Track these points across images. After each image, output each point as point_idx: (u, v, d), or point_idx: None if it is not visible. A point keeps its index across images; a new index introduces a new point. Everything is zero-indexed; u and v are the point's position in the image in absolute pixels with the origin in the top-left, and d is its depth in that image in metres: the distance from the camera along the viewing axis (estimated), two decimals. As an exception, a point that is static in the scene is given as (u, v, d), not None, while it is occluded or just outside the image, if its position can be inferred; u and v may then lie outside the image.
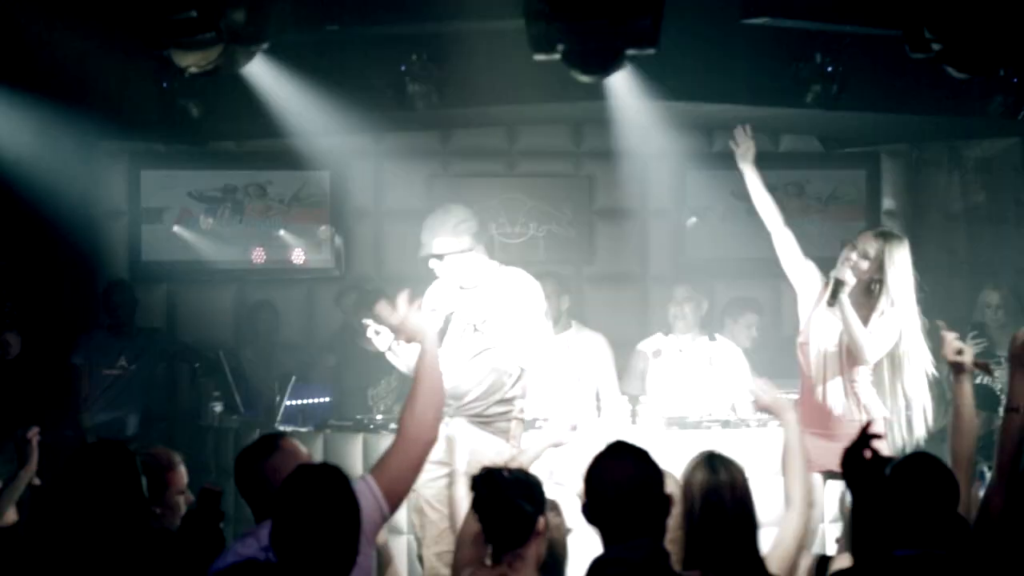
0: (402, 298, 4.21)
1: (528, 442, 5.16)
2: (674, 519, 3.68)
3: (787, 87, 7.23)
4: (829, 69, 6.90)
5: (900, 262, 5.80)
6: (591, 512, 3.52)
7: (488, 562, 3.80)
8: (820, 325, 5.83)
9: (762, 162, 8.98)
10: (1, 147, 7.22)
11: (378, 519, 3.71)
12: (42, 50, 6.76)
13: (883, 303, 5.76)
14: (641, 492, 3.47)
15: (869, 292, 5.81)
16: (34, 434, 5.04)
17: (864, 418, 5.65)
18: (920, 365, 5.78)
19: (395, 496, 3.76)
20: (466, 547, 3.98)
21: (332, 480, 3.33)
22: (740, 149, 6.08)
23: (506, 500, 3.73)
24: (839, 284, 5.68)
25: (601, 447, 3.65)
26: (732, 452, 6.02)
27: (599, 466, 3.55)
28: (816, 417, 5.70)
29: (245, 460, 3.91)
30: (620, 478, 3.48)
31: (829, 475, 5.64)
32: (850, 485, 3.58)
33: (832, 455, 5.32)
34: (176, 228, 8.94)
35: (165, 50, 5.52)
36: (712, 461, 3.81)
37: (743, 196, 8.93)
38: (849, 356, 5.76)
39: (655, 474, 3.54)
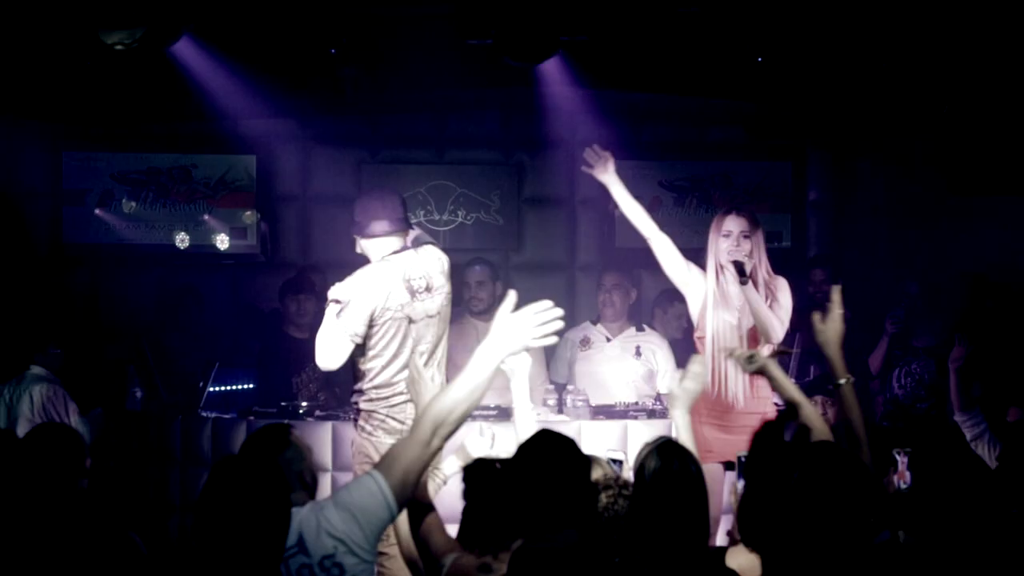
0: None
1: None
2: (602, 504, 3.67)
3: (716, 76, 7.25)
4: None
5: (763, 238, 5.88)
6: (515, 501, 3.49)
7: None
8: (715, 317, 5.84)
9: (690, 152, 9.16)
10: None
11: (387, 517, 3.63)
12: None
13: (761, 280, 5.81)
14: (566, 481, 3.43)
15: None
16: None
17: (763, 408, 5.70)
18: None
19: (404, 494, 3.67)
20: (437, 534, 3.89)
21: (258, 471, 3.29)
22: (596, 168, 6.07)
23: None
24: (741, 265, 5.72)
25: (527, 436, 3.63)
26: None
27: (524, 455, 3.52)
28: (715, 409, 5.71)
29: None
30: (545, 467, 3.45)
31: (727, 465, 5.66)
32: (750, 473, 3.60)
33: (731, 446, 5.37)
34: (98, 211, 8.79)
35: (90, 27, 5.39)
36: (666, 449, 3.69)
37: (671, 186, 9.09)
38: (751, 343, 5.80)
39: (581, 463, 3.51)
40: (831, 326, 4.30)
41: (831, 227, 9.20)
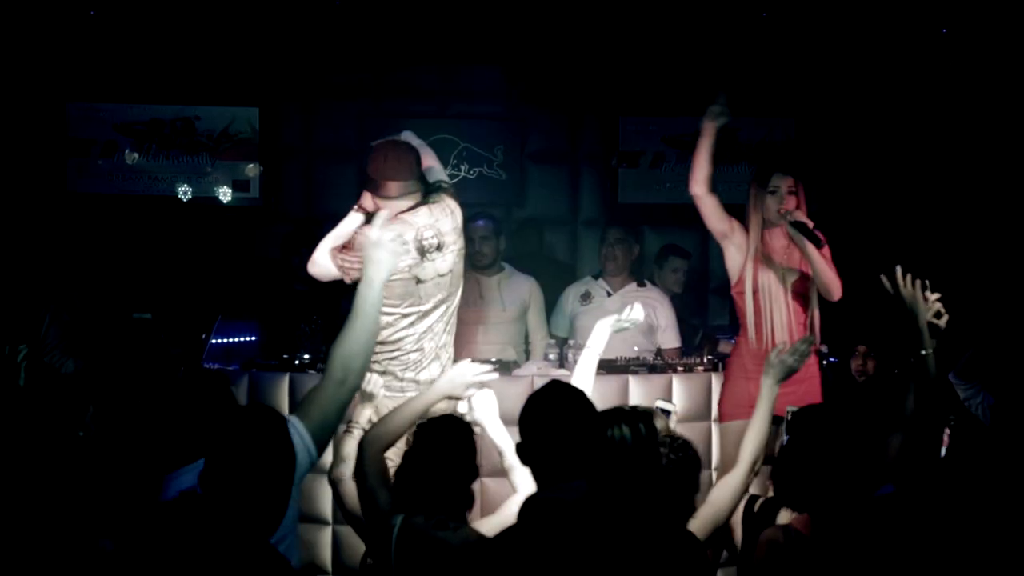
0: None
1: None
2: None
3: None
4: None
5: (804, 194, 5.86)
6: (525, 452, 3.51)
7: None
8: (761, 273, 5.83)
9: (696, 107, 9.11)
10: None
11: (306, 462, 3.62)
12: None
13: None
14: (576, 433, 3.45)
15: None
16: None
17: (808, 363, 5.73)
18: None
19: (323, 440, 3.69)
20: (385, 489, 4.02)
21: (269, 423, 3.29)
22: (716, 110, 5.95)
23: None
24: (803, 225, 5.67)
25: (536, 387, 3.65)
26: (658, 396, 6.13)
27: (534, 406, 3.53)
28: (758, 364, 5.69)
29: None
30: (555, 418, 3.47)
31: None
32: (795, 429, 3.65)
33: (778, 401, 5.43)
34: (100, 162, 8.79)
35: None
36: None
37: (674, 142, 9.07)
38: (796, 298, 5.79)
39: (590, 415, 3.53)
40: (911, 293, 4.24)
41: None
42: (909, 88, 8.45)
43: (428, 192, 5.63)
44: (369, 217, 5.63)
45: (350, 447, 4.71)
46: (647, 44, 8.30)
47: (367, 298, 3.85)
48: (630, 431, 3.66)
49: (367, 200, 5.65)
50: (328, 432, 3.71)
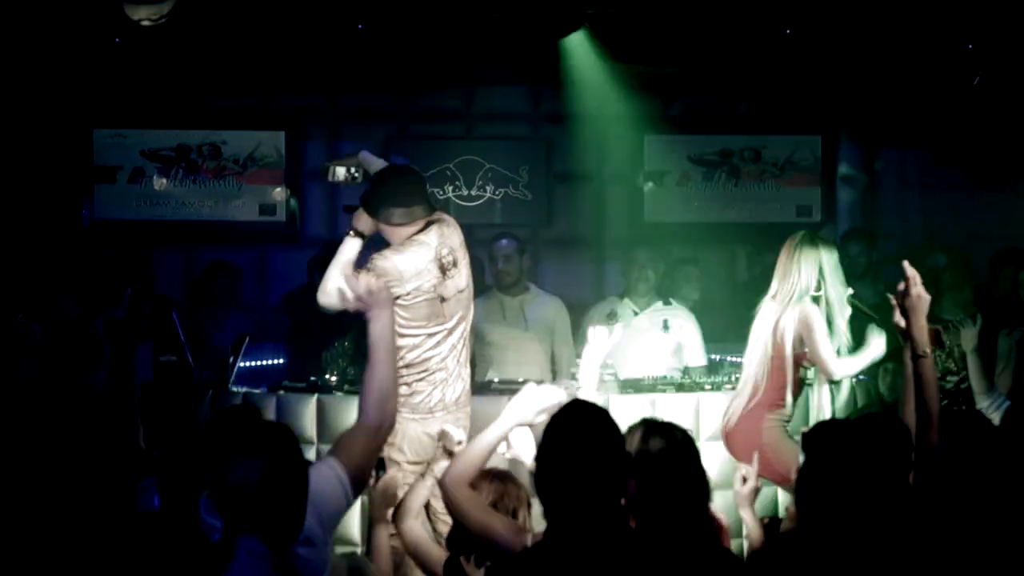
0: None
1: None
2: None
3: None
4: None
5: None
6: (550, 472, 3.44)
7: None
8: None
9: (721, 125, 9.12)
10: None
11: (343, 505, 3.56)
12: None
13: None
14: (601, 451, 3.37)
15: None
16: None
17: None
18: None
19: (360, 482, 3.62)
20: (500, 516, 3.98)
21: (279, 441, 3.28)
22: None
23: None
24: None
25: (559, 407, 3.61)
26: (685, 415, 6.11)
27: (558, 425, 3.45)
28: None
29: None
30: (579, 437, 3.40)
31: None
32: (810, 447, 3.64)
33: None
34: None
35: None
36: (649, 429, 3.71)
37: (700, 161, 9.06)
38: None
39: (615, 433, 3.45)
40: (919, 294, 4.22)
41: (861, 200, 9.14)
42: (935, 102, 8.38)
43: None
44: (365, 238, 5.64)
45: (419, 499, 4.70)
46: (668, 64, 8.28)
47: (389, 342, 3.80)
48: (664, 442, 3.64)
49: (362, 222, 5.64)
50: (366, 477, 3.67)
